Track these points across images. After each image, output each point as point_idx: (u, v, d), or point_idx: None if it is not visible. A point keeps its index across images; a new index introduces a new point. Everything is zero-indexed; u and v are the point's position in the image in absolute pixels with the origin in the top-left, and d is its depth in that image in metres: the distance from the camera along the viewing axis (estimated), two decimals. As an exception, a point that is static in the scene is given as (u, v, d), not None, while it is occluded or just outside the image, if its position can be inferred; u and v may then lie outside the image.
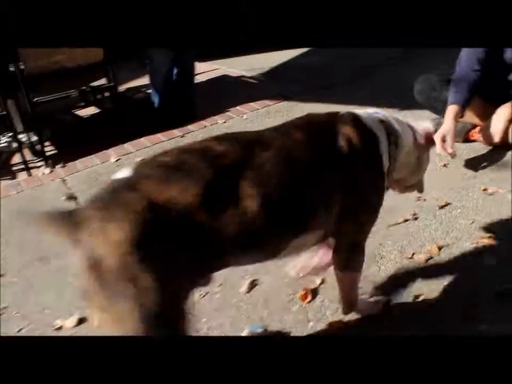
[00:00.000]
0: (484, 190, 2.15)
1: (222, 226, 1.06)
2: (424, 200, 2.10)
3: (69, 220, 0.99)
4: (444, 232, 1.91)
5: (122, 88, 4.00)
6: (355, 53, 4.56)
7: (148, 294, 0.97)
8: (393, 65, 4.09)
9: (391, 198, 2.00)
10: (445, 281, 1.66)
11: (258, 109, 3.25)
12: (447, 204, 2.07)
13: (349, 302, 1.50)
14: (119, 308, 0.98)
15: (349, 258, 1.40)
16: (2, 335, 1.61)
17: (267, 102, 3.35)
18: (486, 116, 2.42)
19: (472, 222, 1.95)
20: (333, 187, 1.25)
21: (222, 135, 1.24)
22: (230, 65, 4.55)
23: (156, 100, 3.34)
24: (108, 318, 1.00)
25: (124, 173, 1.07)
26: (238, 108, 3.30)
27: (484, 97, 2.43)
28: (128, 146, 2.91)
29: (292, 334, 1.53)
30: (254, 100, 3.41)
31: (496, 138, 2.39)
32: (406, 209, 2.04)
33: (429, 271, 1.72)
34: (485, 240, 1.83)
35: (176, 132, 2.99)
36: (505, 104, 2.32)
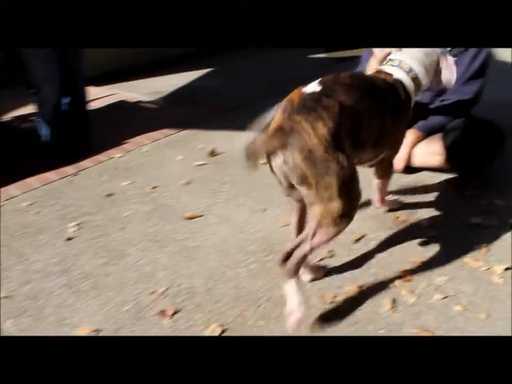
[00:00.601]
0: (397, 218, 2.11)
1: (369, 132, 1.57)
2: (339, 234, 2.01)
3: (282, 131, 1.37)
4: (364, 269, 1.82)
5: (6, 117, 3.62)
6: (258, 74, 4.51)
7: (344, 168, 1.36)
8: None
9: None
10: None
11: (159, 139, 3.05)
12: (362, 236, 1.99)
13: (383, 198, 2.09)
14: (326, 181, 1.35)
15: (389, 169, 1.97)
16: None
17: (168, 131, 3.16)
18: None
19: (390, 255, 1.88)
20: (395, 121, 1.72)
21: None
22: (128, 90, 4.30)
23: (44, 132, 3.02)
24: (314, 190, 1.37)
25: (314, 87, 1.48)
26: (137, 138, 3.08)
27: None
28: (13, 188, 2.59)
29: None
30: (154, 128, 3.20)
31: (401, 164, 2.39)
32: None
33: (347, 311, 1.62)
34: (401, 279, 1.77)
35: (68, 170, 2.71)
36: (409, 130, 2.31)
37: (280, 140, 1.35)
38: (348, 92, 1.48)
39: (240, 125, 3.19)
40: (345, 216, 1.44)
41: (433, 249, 1.92)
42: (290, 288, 1.51)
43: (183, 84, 4.36)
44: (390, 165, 1.97)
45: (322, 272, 1.80)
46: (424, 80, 1.85)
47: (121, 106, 3.93)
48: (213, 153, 2.78)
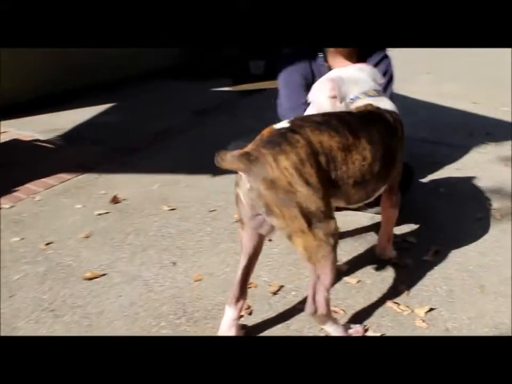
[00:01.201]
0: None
1: (348, 168, 1.53)
2: (256, 286, 1.88)
3: (247, 157, 1.38)
4: (284, 326, 1.69)
5: None
6: (160, 109, 4.35)
7: (308, 201, 1.38)
8: (201, 124, 3.96)
9: (218, 292, 1.76)
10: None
11: (55, 185, 2.78)
12: (280, 288, 1.88)
13: (389, 236, 2.02)
14: (290, 211, 1.37)
15: (391, 208, 1.94)
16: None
17: (65, 175, 2.89)
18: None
19: (310, 307, 1.77)
20: (394, 150, 1.74)
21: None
22: (21, 127, 3.95)
23: None
24: (281, 220, 1.39)
25: (284, 124, 1.50)
26: (29, 185, 2.78)
27: None
28: None
29: None
30: (50, 172, 2.92)
31: None
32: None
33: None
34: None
35: None
36: None
37: (246, 163, 1.38)
38: (317, 129, 1.49)
39: (144, 167, 3.07)
40: (325, 242, 1.44)
41: (355, 295, 1.84)
42: (333, 330, 1.57)
43: (83, 121, 4.09)
44: (393, 203, 1.92)
45: (243, 332, 1.65)
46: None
47: (12, 146, 3.58)
48: (115, 200, 2.56)
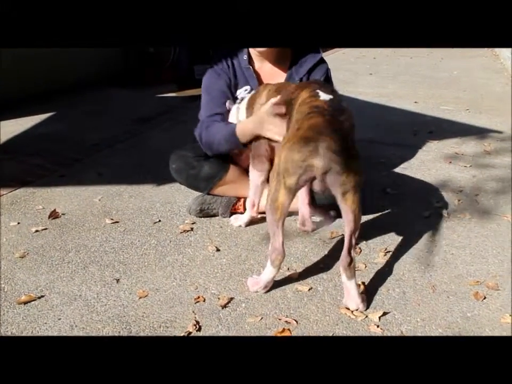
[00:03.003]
0: (264, 272, 1.95)
1: None
2: (204, 300, 1.80)
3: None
4: (234, 341, 1.61)
5: None
6: (103, 117, 4.20)
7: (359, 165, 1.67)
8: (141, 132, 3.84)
9: (165, 309, 1.67)
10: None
11: (-13, 202, 2.60)
12: (230, 300, 1.80)
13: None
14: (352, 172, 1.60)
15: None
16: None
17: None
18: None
19: (261, 318, 1.71)
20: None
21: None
22: None
23: None
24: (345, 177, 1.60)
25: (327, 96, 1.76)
26: (-42, 202, 2.60)
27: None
28: None
29: None
30: (-18, 188, 2.74)
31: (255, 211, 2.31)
32: (185, 317, 1.71)
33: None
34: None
35: None
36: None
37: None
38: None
39: (85, 179, 2.93)
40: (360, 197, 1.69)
41: (307, 303, 1.79)
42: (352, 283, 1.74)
43: (19, 132, 3.89)
44: None
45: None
46: None
47: None
48: (53, 215, 2.41)
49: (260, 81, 2.21)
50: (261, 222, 2.30)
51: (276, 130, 1.94)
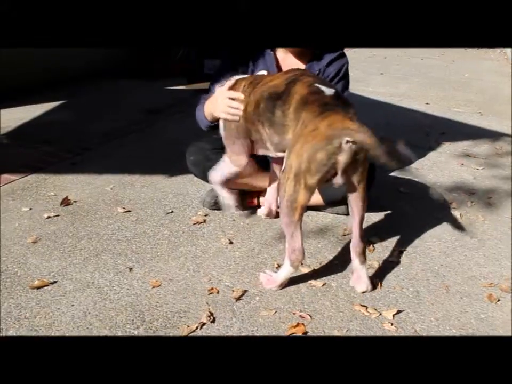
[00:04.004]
0: (278, 267, 1.94)
1: None
2: (217, 292, 1.79)
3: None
4: (250, 333, 1.60)
5: None
6: (112, 107, 4.19)
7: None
8: (155, 122, 3.83)
9: (178, 299, 1.66)
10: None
11: (-1, 186, 2.60)
12: (244, 293, 1.79)
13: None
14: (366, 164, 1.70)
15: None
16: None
17: (10, 176, 2.71)
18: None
19: (275, 312, 1.70)
20: None
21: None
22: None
23: None
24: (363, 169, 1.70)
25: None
26: (-29, 186, 2.59)
27: None
28: None
29: None
30: (-5, 172, 2.73)
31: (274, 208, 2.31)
32: (198, 308, 1.70)
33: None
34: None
35: None
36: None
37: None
38: None
39: (96, 168, 2.92)
40: None
41: (321, 298, 1.78)
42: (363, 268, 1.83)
43: (30, 118, 3.88)
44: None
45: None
46: None
47: (-49, 146, 3.35)
48: (65, 202, 2.41)
49: (279, 69, 2.19)
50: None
51: (223, 109, 1.96)
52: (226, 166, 2.06)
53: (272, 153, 1.92)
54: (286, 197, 1.67)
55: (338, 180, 1.64)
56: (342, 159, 1.58)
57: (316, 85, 1.75)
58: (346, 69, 2.23)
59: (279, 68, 2.19)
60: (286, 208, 1.68)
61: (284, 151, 1.80)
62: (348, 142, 1.56)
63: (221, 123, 2.04)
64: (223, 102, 1.96)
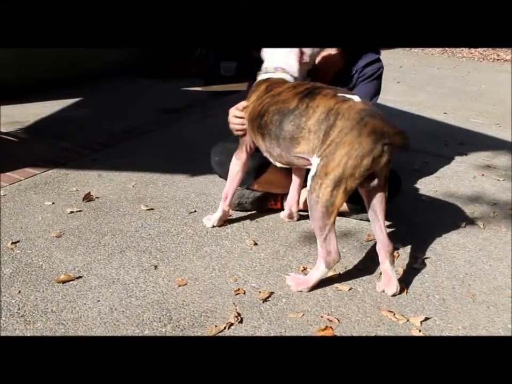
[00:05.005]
0: (303, 269, 1.93)
1: None
2: (244, 293, 1.78)
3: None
4: (278, 335, 1.59)
5: None
6: (129, 105, 4.20)
7: None
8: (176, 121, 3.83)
9: (205, 299, 1.66)
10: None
11: (20, 180, 2.59)
12: (270, 294, 1.78)
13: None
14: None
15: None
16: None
17: (31, 170, 2.71)
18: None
19: (303, 315, 1.69)
20: None
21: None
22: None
23: None
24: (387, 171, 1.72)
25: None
26: (-8, 179, 2.59)
27: None
28: None
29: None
30: (14, 166, 2.73)
31: (295, 208, 2.30)
32: (225, 308, 1.69)
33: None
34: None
35: None
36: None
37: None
38: None
39: (117, 165, 2.92)
40: None
41: (348, 303, 1.77)
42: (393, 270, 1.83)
43: (47, 114, 3.90)
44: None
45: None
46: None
47: (-30, 140, 3.36)
48: (88, 198, 2.40)
49: (316, 65, 2.19)
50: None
51: (230, 125, 2.08)
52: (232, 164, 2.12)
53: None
54: (321, 201, 1.66)
55: (375, 182, 1.65)
56: (384, 161, 1.61)
57: (340, 94, 1.74)
58: (381, 73, 2.24)
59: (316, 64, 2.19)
60: (320, 213, 1.67)
61: (286, 164, 1.86)
62: (385, 144, 1.58)
63: None
64: (230, 120, 2.07)
